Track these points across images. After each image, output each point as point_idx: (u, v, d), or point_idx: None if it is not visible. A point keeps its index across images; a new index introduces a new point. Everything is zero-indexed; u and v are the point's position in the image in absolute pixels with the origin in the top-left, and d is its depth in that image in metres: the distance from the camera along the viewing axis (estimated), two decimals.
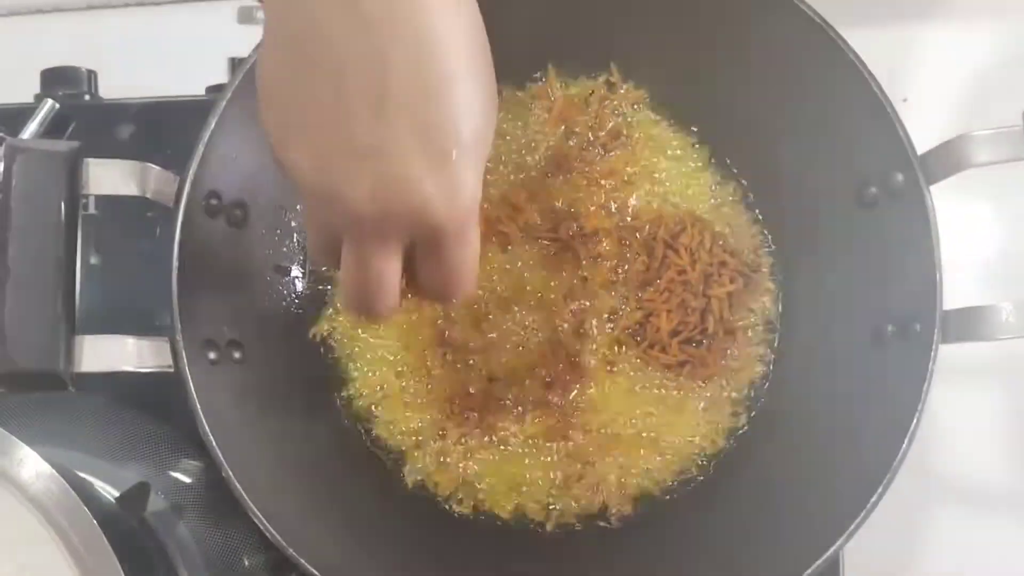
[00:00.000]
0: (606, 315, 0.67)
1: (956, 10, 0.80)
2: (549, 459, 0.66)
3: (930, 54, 0.80)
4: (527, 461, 0.66)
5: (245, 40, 0.61)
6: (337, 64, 0.41)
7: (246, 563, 0.67)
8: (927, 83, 0.79)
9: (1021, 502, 0.73)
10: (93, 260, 0.73)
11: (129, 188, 0.56)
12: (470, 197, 0.43)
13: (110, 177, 0.56)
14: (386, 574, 0.60)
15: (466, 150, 0.42)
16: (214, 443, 0.55)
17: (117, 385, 0.67)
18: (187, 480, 0.68)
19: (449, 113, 0.42)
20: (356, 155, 0.42)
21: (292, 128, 0.43)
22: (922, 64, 0.80)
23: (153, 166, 0.56)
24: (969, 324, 0.56)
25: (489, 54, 0.44)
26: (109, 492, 0.65)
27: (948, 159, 0.58)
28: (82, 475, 0.66)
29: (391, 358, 0.67)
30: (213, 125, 0.59)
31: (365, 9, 0.41)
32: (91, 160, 0.55)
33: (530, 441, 0.66)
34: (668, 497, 0.67)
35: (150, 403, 0.69)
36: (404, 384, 0.67)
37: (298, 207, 0.67)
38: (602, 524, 0.66)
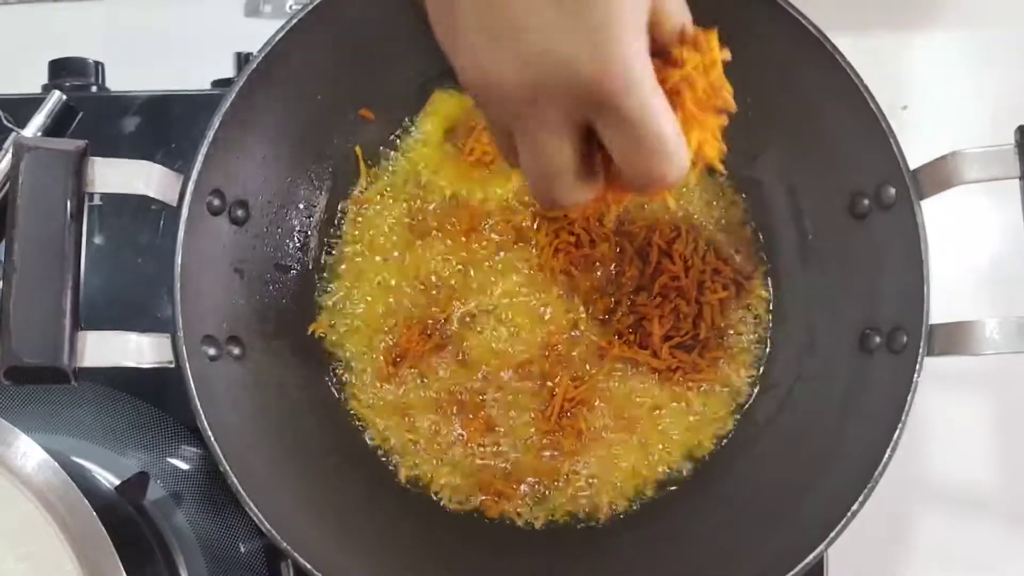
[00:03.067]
0: (600, 319, 0.68)
1: (960, 17, 0.81)
2: (540, 458, 0.67)
3: (931, 62, 0.80)
4: (519, 460, 0.67)
5: (251, 34, 0.62)
6: None
7: (242, 549, 0.68)
8: (928, 91, 0.80)
9: (1005, 507, 0.74)
10: (97, 240, 0.74)
11: (134, 187, 0.57)
12: (623, 49, 0.41)
13: (115, 176, 0.56)
14: (378, 568, 0.61)
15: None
16: (212, 438, 0.56)
17: (118, 373, 0.68)
18: (185, 467, 0.70)
19: None
20: (500, 39, 0.41)
21: (451, 35, 0.43)
22: (923, 72, 0.80)
23: (157, 165, 0.57)
24: (954, 338, 0.57)
25: None
26: (108, 480, 0.67)
27: (940, 175, 0.58)
28: (82, 462, 0.67)
29: (387, 356, 0.68)
30: (217, 125, 0.59)
31: None
32: (96, 159, 0.56)
33: (522, 440, 0.68)
34: (656, 497, 0.68)
35: (150, 391, 0.70)
36: (399, 382, 0.68)
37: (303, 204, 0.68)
38: (590, 523, 0.67)
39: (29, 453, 0.53)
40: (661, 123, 0.42)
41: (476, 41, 0.42)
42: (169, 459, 0.70)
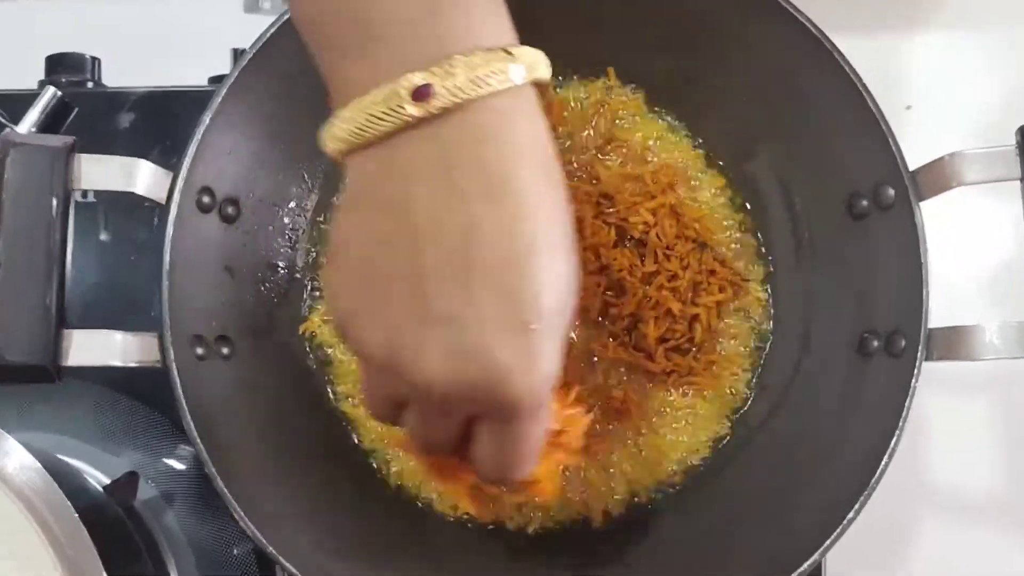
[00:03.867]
0: (593, 319, 0.67)
1: (966, 17, 0.80)
2: None
3: (936, 62, 0.80)
4: None
5: (249, 30, 0.62)
6: (423, 233, 0.40)
7: (235, 553, 0.68)
8: (933, 91, 0.79)
9: (1007, 512, 0.74)
10: (103, 237, 0.74)
11: (121, 184, 0.56)
12: (549, 372, 0.41)
13: (102, 173, 0.56)
14: (367, 573, 0.61)
15: (548, 322, 0.40)
16: (199, 439, 0.55)
17: (111, 372, 0.68)
18: (179, 467, 0.69)
19: (534, 283, 0.39)
20: (429, 323, 0.40)
21: (362, 295, 0.41)
22: (928, 71, 0.80)
23: (146, 162, 0.57)
24: (954, 343, 0.56)
25: (571, 230, 0.42)
26: (100, 480, 0.67)
27: (940, 176, 0.57)
28: (73, 462, 0.67)
29: None
30: (207, 121, 0.59)
31: (459, 181, 0.39)
32: (84, 156, 0.55)
33: None
34: (651, 501, 0.67)
35: (143, 390, 0.70)
36: None
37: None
38: (584, 528, 0.66)
39: (11, 452, 0.53)
40: (536, 447, 0.44)
41: (401, 321, 0.40)
42: (164, 460, 0.69)
